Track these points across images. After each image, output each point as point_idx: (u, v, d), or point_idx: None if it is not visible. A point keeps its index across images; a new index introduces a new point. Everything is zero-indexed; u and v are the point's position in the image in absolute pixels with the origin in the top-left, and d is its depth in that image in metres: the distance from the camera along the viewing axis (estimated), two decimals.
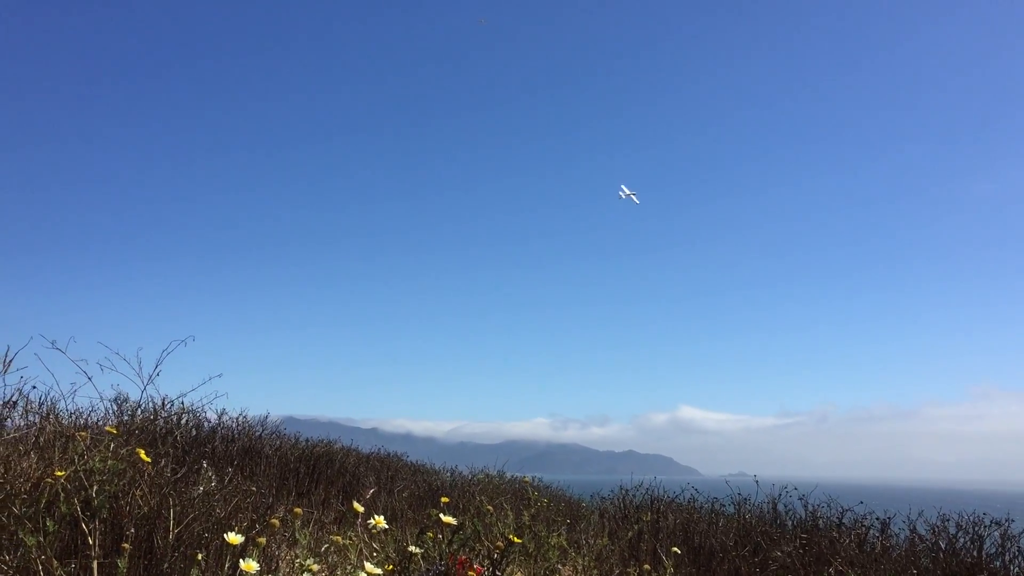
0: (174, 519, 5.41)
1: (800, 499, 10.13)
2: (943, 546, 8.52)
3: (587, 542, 7.08)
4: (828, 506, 9.87)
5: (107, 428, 5.17)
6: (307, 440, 14.39)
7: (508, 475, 17.63)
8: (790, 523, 10.00)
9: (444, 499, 4.97)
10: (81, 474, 4.37)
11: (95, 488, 4.31)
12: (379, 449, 17.49)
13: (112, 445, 5.19)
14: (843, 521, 9.52)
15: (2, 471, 5.24)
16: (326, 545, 4.91)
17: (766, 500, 10.39)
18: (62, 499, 4.22)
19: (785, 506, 10.29)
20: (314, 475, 12.59)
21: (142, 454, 4.67)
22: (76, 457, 4.49)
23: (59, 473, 4.25)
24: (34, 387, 6.73)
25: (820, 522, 9.72)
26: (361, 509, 4.21)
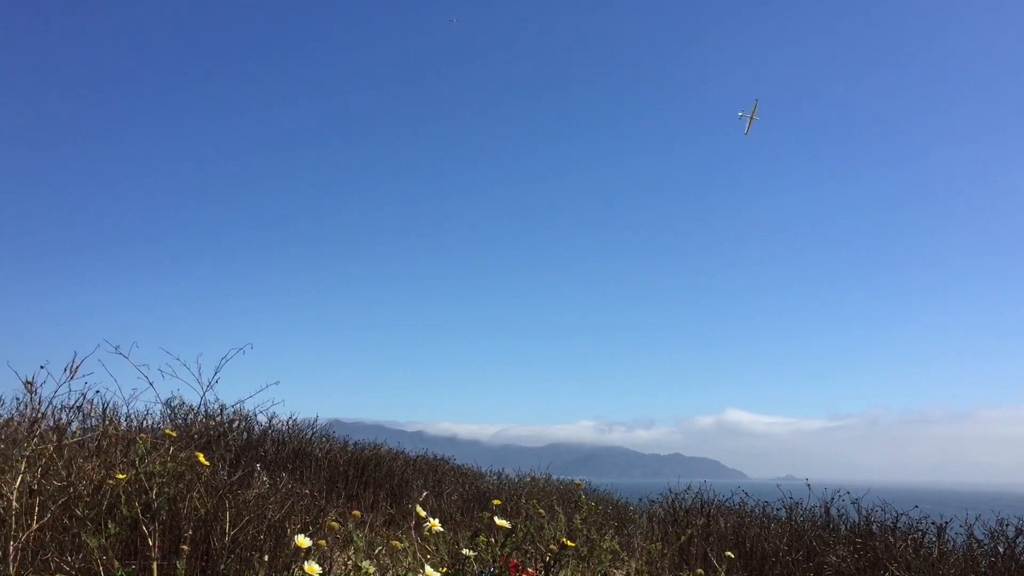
0: (230, 521, 5.50)
1: (853, 503, 9.97)
2: (1002, 551, 8.33)
3: (639, 545, 7.04)
4: (882, 510, 9.70)
5: (166, 431, 5.27)
6: (355, 443, 14.51)
7: (554, 478, 17.56)
8: (843, 527, 9.85)
9: (496, 502, 4.98)
10: (142, 477, 4.46)
11: (155, 491, 4.40)
12: (425, 452, 17.55)
13: (171, 448, 5.29)
14: (897, 525, 9.36)
15: (64, 474, 5.38)
16: (379, 547, 4.95)
17: (818, 504, 10.24)
18: (123, 501, 4.31)
19: (838, 510, 10.14)
20: (363, 478, 12.69)
21: (201, 458, 4.75)
22: (136, 460, 4.58)
23: (120, 476, 4.34)
24: (97, 392, 6.88)
25: (874, 526, 9.55)
26: (423, 512, 4.24)
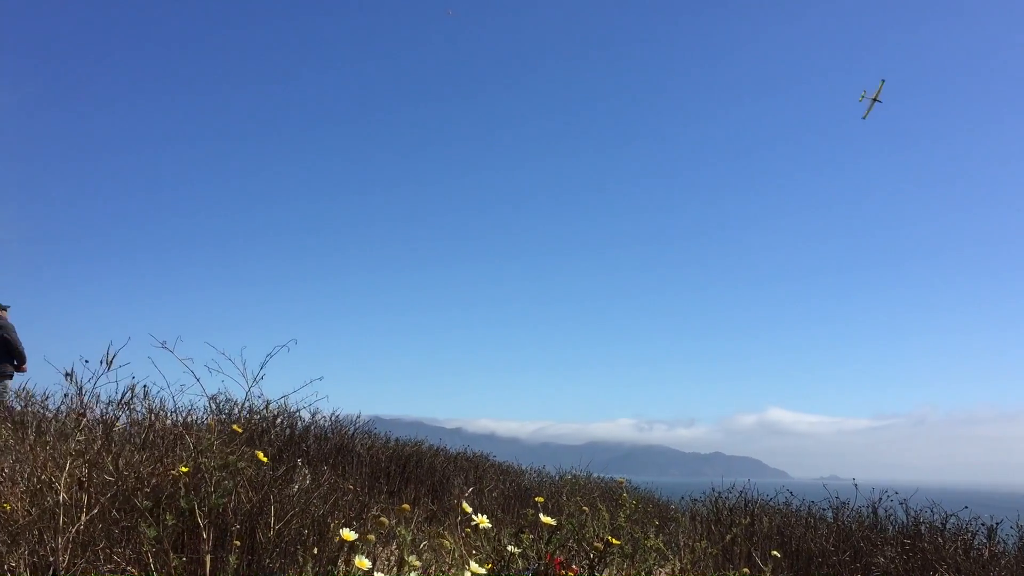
0: (275, 515, 5.53)
1: (901, 504, 9.79)
2: None
3: (685, 544, 6.96)
4: (931, 511, 9.51)
5: (234, 427, 5.33)
6: (397, 439, 14.56)
7: (594, 476, 17.46)
8: (891, 528, 9.67)
9: (539, 499, 4.95)
10: (203, 470, 4.50)
11: (213, 484, 4.44)
12: (466, 449, 17.53)
13: (214, 443, 5.33)
14: (947, 526, 9.17)
15: (112, 467, 5.45)
16: (424, 542, 4.95)
17: (865, 504, 10.07)
18: (182, 494, 4.35)
19: (885, 510, 9.96)
20: (404, 474, 12.73)
21: (260, 455, 4.79)
22: (194, 454, 4.63)
23: (184, 469, 4.38)
24: (144, 386, 6.96)
25: (923, 527, 9.37)
26: (469, 509, 4.22)
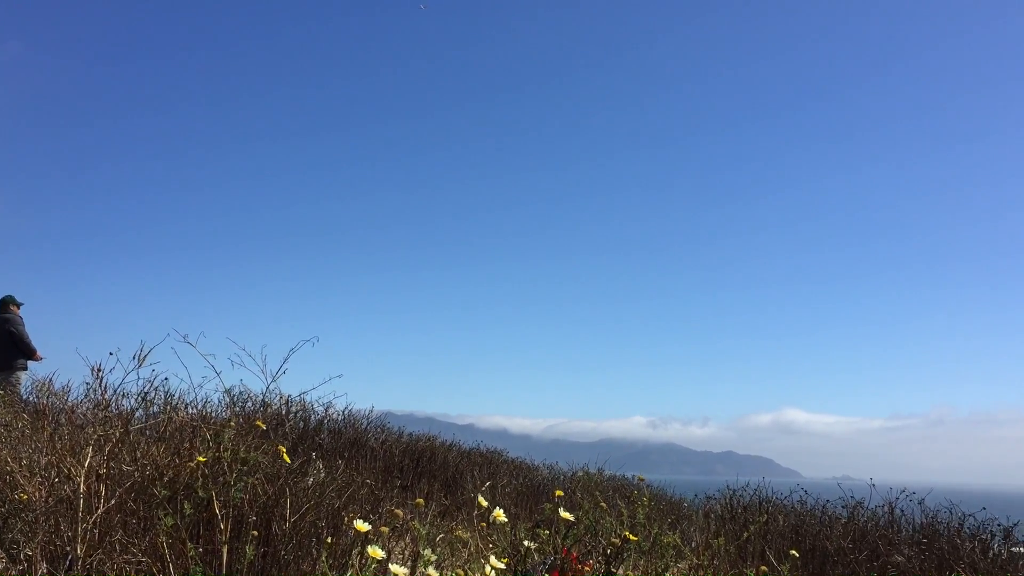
0: (291, 508, 5.54)
1: (919, 503, 9.71)
2: None
3: (702, 540, 6.93)
4: (948, 511, 9.44)
5: (256, 422, 5.35)
6: (410, 434, 14.59)
7: (607, 473, 17.46)
8: (908, 528, 9.59)
9: (558, 492, 4.94)
10: (223, 460, 4.50)
11: (234, 475, 4.44)
12: (479, 444, 17.55)
13: (232, 436, 5.34)
14: (964, 527, 9.09)
15: (130, 458, 5.46)
16: (439, 536, 4.94)
17: (881, 503, 9.99)
18: (200, 484, 4.36)
19: (902, 510, 9.88)
20: (418, 469, 12.75)
21: (283, 453, 4.79)
22: (213, 446, 4.64)
23: (201, 459, 4.38)
24: (166, 379, 7.00)
25: (940, 527, 9.29)
26: (485, 503, 4.21)
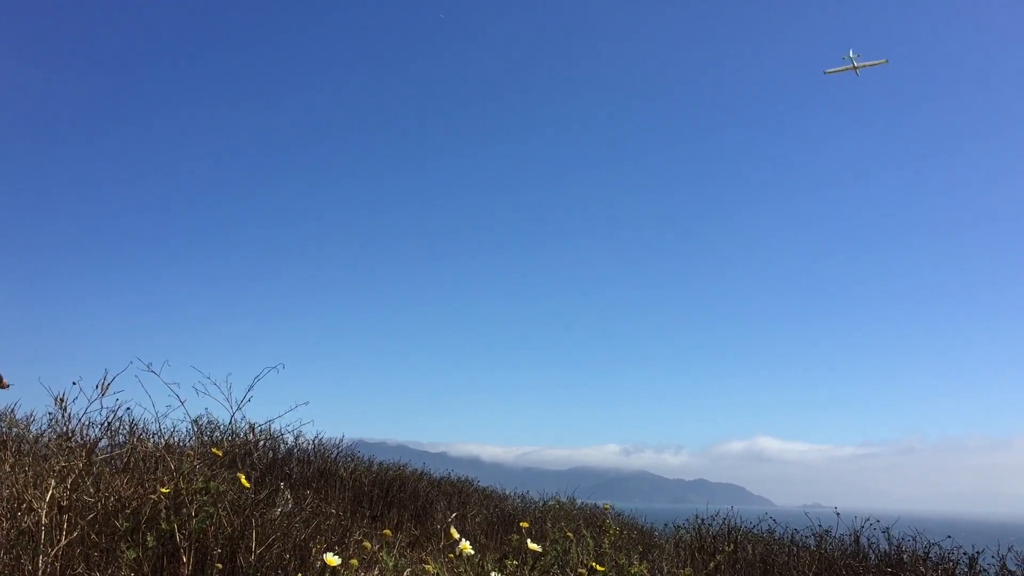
0: (256, 540, 5.50)
1: (883, 532, 9.81)
2: None
3: (669, 571, 6.95)
4: (913, 540, 9.54)
5: (213, 450, 5.31)
6: (380, 463, 14.52)
7: (579, 502, 17.43)
8: (873, 557, 9.67)
9: (524, 524, 4.95)
10: (183, 493, 4.48)
11: (195, 507, 4.41)
12: (449, 473, 17.50)
13: (195, 466, 5.31)
14: (929, 555, 9.19)
15: (93, 490, 5.41)
16: (407, 569, 4.93)
17: (848, 532, 10.08)
18: (163, 516, 4.33)
19: (868, 539, 9.97)
20: (387, 498, 12.68)
21: (243, 479, 4.77)
22: (177, 477, 4.61)
23: (164, 490, 4.36)
24: (128, 409, 6.93)
25: (905, 556, 9.39)
26: (456, 535, 4.22)
